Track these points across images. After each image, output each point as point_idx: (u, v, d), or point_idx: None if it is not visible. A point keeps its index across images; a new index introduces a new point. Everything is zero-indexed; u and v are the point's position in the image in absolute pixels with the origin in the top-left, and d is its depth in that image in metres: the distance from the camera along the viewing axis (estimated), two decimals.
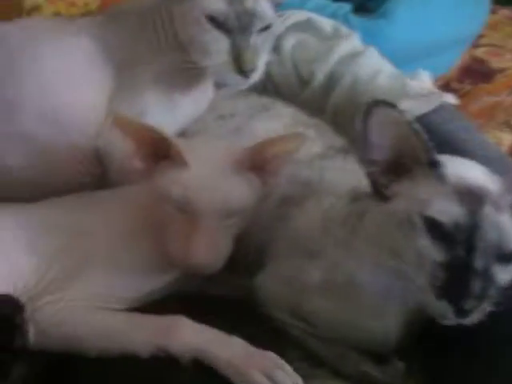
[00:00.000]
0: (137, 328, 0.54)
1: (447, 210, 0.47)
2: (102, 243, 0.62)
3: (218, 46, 0.67)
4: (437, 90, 0.79)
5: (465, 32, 1.19)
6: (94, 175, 0.76)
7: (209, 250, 0.55)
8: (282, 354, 0.52)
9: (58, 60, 0.71)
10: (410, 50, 1.07)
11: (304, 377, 0.51)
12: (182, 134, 0.79)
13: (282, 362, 0.50)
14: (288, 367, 0.49)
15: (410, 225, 0.49)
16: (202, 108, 0.81)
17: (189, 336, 0.51)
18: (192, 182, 0.56)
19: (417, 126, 0.51)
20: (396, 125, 0.52)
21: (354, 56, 0.86)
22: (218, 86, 0.84)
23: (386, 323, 0.55)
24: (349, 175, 0.67)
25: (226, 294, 0.65)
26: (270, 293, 0.63)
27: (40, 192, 0.70)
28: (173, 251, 0.57)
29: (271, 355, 0.50)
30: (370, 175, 0.53)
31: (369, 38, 0.94)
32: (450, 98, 0.79)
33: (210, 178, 0.57)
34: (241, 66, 0.67)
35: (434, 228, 0.48)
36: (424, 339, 0.58)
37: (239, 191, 0.59)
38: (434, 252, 0.48)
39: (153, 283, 0.61)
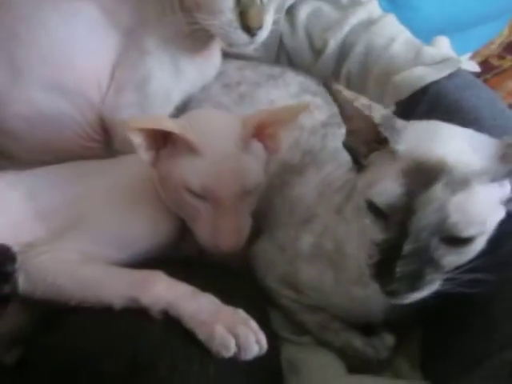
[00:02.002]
0: (113, 279, 0.54)
1: (386, 192, 0.45)
2: (96, 207, 0.63)
3: (223, 3, 0.65)
4: (454, 57, 0.74)
5: (503, 5, 1.12)
6: (98, 142, 0.76)
7: (234, 233, 0.57)
8: (264, 320, 0.51)
9: (63, 26, 0.71)
10: (439, 22, 1.02)
11: (287, 343, 0.50)
12: (188, 101, 0.79)
13: (248, 318, 0.48)
14: (254, 324, 0.48)
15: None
16: (209, 76, 0.80)
17: (161, 289, 0.52)
18: (208, 169, 0.56)
19: (359, 102, 0.48)
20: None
21: (369, 24, 0.82)
22: (227, 55, 0.83)
23: (370, 293, 0.52)
24: None
25: (219, 261, 0.64)
26: (264, 261, 0.62)
27: (42, 158, 0.71)
28: (200, 237, 0.59)
29: (239, 312, 0.49)
30: (345, 144, 0.52)
31: (394, 8, 0.90)
32: (470, 65, 0.74)
33: (225, 162, 0.57)
34: (247, 24, 0.65)
35: (373, 209, 0.46)
36: (420, 314, 0.55)
37: (253, 168, 0.58)
38: (371, 232, 0.46)
39: (141, 248, 0.61)
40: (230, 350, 0.46)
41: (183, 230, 0.63)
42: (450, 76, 0.70)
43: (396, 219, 0.45)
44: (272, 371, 0.52)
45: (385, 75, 0.76)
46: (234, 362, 0.46)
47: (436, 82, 0.69)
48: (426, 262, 0.44)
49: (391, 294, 0.45)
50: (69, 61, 0.70)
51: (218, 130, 0.59)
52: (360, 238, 0.49)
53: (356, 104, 0.48)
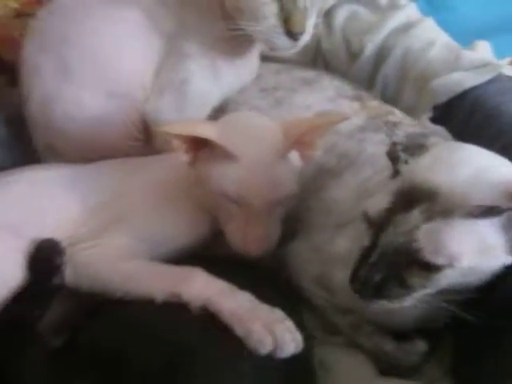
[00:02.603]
0: (155, 275, 0.57)
1: (375, 205, 0.49)
2: (138, 204, 0.65)
3: (267, 9, 0.66)
4: (495, 61, 0.73)
5: None
6: (140, 141, 0.79)
7: (263, 240, 0.59)
8: (299, 320, 0.53)
9: (110, 31, 0.74)
10: (478, 25, 1.01)
11: (319, 343, 0.51)
12: (225, 103, 0.81)
13: (285, 317, 0.50)
14: (291, 324, 0.49)
15: None
16: (246, 79, 0.81)
17: (201, 286, 0.53)
18: (244, 177, 0.58)
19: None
20: None
21: (407, 27, 0.82)
22: (264, 59, 0.84)
23: None
24: None
25: (255, 261, 0.66)
26: (299, 261, 0.64)
27: (87, 155, 0.74)
28: (231, 240, 0.61)
29: (277, 311, 0.51)
30: (389, 148, 0.53)
31: (432, 10, 0.90)
32: (511, 70, 0.73)
33: (261, 171, 0.58)
34: (290, 29, 0.66)
35: (366, 218, 0.50)
36: (455, 324, 0.55)
37: (287, 178, 0.60)
38: (363, 237, 0.50)
39: (176, 245, 0.63)
40: (266, 347, 0.47)
41: (216, 230, 0.65)
42: (490, 81, 0.69)
43: (373, 231, 0.48)
44: (306, 370, 0.53)
45: (423, 79, 0.76)
46: (270, 359, 0.47)
47: (475, 87, 0.69)
48: (390, 275, 0.48)
49: (357, 293, 0.49)
50: (116, 64, 0.73)
51: (257, 138, 0.61)
52: None
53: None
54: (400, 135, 0.50)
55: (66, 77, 0.73)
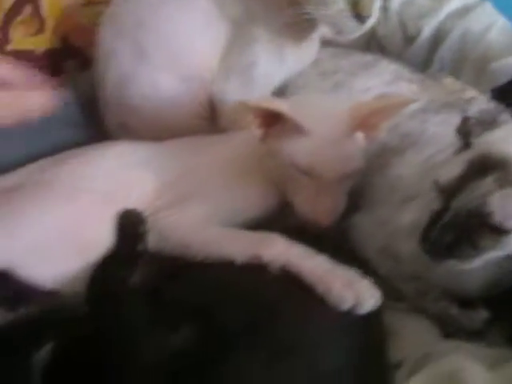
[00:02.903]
0: (236, 238, 0.60)
1: (449, 172, 0.53)
2: (208, 180, 0.69)
3: None
4: None
5: None
6: (206, 120, 0.84)
7: (332, 210, 0.63)
8: None
9: (183, 16, 0.78)
10: None
11: (383, 308, 0.54)
12: (285, 86, 0.84)
13: (362, 276, 0.53)
14: (369, 282, 0.53)
15: None
16: (306, 63, 0.85)
17: (281, 248, 0.57)
18: (315, 150, 0.62)
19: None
20: None
21: (465, 10, 0.84)
22: (324, 43, 0.87)
23: (468, 268, 0.55)
24: (452, 128, 0.67)
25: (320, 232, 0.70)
26: (363, 234, 0.67)
27: (158, 133, 0.79)
28: (300, 210, 0.64)
29: (354, 272, 0.54)
30: (462, 122, 0.56)
31: None
32: None
33: (331, 145, 0.62)
34: (359, 12, 0.68)
35: (437, 186, 0.53)
36: None
37: (355, 153, 0.64)
38: (434, 202, 0.53)
39: (249, 217, 0.67)
40: (347, 303, 0.51)
41: (283, 202, 0.68)
42: None
43: (444, 197, 0.51)
44: (381, 329, 0.56)
45: (481, 62, 0.78)
46: (349, 315, 0.51)
47: None
48: (461, 236, 0.51)
49: (427, 253, 0.52)
50: (189, 49, 0.78)
51: (327, 115, 0.64)
52: None
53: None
54: (473, 110, 0.53)
55: (141, 59, 0.78)
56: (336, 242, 0.67)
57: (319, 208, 0.63)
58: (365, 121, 0.64)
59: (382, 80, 0.78)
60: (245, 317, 0.51)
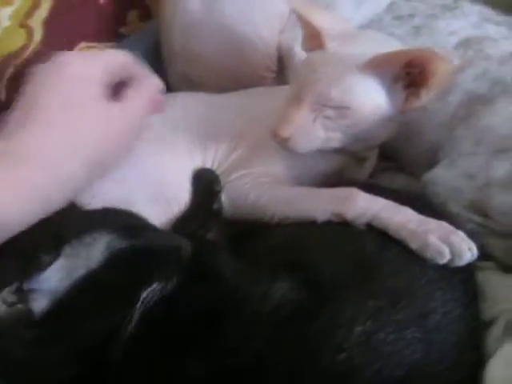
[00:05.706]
0: (315, 197, 0.57)
1: None
2: None
3: None
4: None
5: None
6: (273, 72, 0.81)
7: (293, 128, 0.56)
8: None
9: None
10: None
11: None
12: None
13: (455, 228, 0.50)
14: (463, 234, 0.49)
15: None
16: (380, 7, 0.79)
17: (364, 203, 0.53)
18: (312, 60, 0.58)
19: None
20: None
21: None
22: None
23: None
24: None
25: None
26: (448, 189, 0.63)
27: (221, 86, 0.77)
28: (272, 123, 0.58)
29: (446, 224, 0.50)
30: None
31: None
32: None
33: (327, 65, 0.57)
34: None
35: None
36: None
37: (354, 91, 0.55)
38: None
39: (321, 171, 0.64)
40: (445, 256, 0.48)
41: None
42: None
43: None
44: (474, 280, 0.54)
45: None
46: (447, 270, 0.48)
47: None
48: None
49: None
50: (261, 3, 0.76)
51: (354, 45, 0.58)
52: None
53: None
54: None
55: (213, 5, 0.76)
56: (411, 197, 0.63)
57: (282, 118, 0.57)
58: (400, 73, 0.54)
59: (468, 22, 0.72)
60: (345, 268, 0.48)
